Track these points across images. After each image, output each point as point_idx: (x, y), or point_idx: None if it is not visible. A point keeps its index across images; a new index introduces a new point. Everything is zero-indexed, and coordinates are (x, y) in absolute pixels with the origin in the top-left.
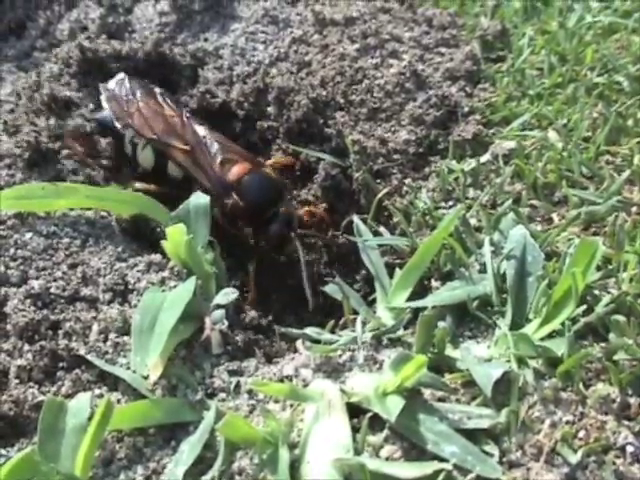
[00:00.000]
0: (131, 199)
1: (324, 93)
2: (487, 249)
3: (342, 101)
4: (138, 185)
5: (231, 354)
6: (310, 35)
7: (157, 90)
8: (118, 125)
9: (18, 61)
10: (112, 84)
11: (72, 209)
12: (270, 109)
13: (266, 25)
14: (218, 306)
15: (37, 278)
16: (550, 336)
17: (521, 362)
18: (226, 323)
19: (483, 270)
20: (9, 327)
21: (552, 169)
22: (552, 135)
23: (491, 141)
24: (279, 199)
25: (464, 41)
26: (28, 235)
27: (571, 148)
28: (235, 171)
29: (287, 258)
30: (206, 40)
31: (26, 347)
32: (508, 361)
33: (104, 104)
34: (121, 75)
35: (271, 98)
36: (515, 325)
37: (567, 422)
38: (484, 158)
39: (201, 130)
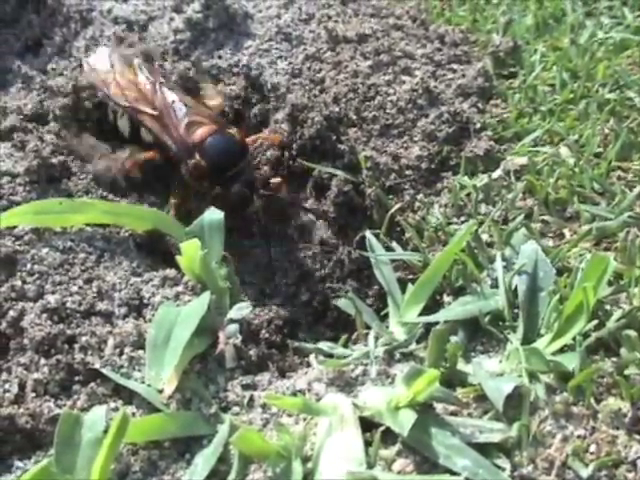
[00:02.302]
0: (146, 215)
1: (337, 110)
2: (499, 264)
3: (355, 117)
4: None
5: (245, 368)
6: (323, 52)
7: (136, 60)
8: (99, 96)
9: (33, 79)
10: (93, 58)
11: (88, 224)
12: (283, 125)
13: (280, 42)
14: (232, 320)
15: (53, 293)
16: (561, 351)
17: (532, 377)
18: (240, 337)
19: (495, 285)
20: (26, 341)
21: (564, 185)
22: (564, 151)
23: (503, 157)
24: (240, 160)
25: (476, 58)
26: (44, 250)
27: (583, 164)
28: (199, 133)
29: (299, 271)
30: (220, 57)
31: (42, 361)
32: (520, 376)
33: (87, 76)
34: (102, 48)
35: (284, 114)
36: (527, 340)
37: (578, 436)
38: (496, 174)
39: (172, 95)
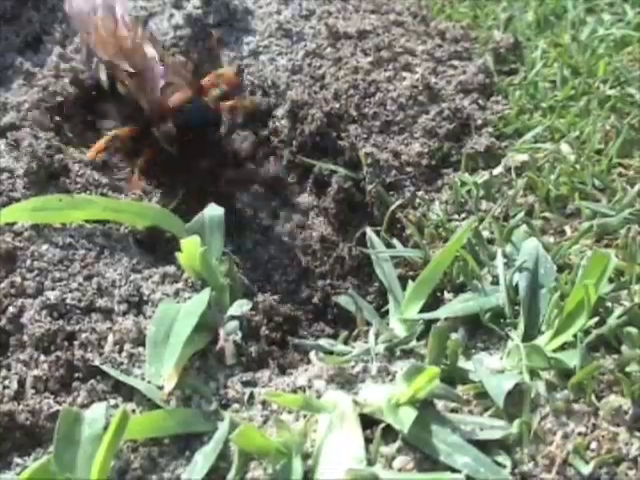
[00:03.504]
0: (146, 211)
1: (337, 106)
2: (499, 261)
3: (355, 114)
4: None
5: (245, 365)
6: (323, 48)
7: (119, 8)
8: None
9: (33, 75)
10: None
11: (88, 221)
12: (283, 122)
13: (280, 38)
14: (232, 317)
15: (53, 289)
16: (562, 348)
17: (533, 374)
18: (240, 334)
19: (495, 282)
20: (25, 338)
21: (564, 182)
22: (564, 148)
23: (504, 154)
24: (212, 129)
25: (477, 54)
26: (44, 246)
27: (583, 161)
28: (175, 97)
29: (299, 268)
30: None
31: (42, 358)
32: (520, 373)
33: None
34: None
35: (284, 111)
36: (527, 337)
37: (579, 434)
38: (496, 171)
39: (152, 52)
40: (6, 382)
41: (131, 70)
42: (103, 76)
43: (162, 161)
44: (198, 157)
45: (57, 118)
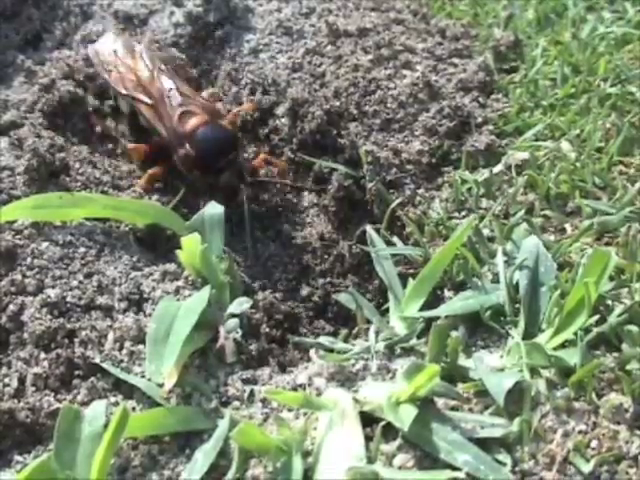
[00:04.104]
0: (146, 209)
1: (338, 104)
2: (500, 259)
3: (355, 112)
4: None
5: (245, 363)
6: (324, 46)
7: (137, 47)
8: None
9: (34, 73)
10: (98, 43)
11: (88, 219)
12: (283, 120)
13: (280, 36)
14: (232, 315)
15: (53, 287)
16: (563, 346)
17: (534, 372)
18: (240, 332)
19: (496, 280)
20: (26, 335)
21: (565, 180)
22: (565, 146)
23: (504, 152)
24: (230, 150)
25: (477, 52)
26: (44, 244)
27: (584, 159)
28: (191, 123)
29: (300, 266)
30: (221, 51)
31: (42, 355)
32: (521, 371)
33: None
34: (108, 34)
35: (285, 109)
36: (528, 335)
37: (580, 432)
38: (497, 169)
39: (169, 84)
40: (6, 380)
41: (149, 101)
42: (124, 107)
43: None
44: (216, 178)
45: (58, 116)
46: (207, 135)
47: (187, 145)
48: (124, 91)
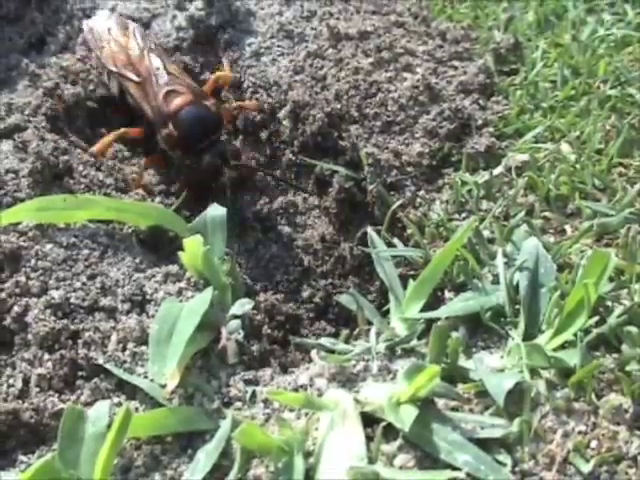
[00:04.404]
0: (149, 211)
1: (338, 106)
2: (500, 260)
3: (356, 114)
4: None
5: (247, 364)
6: (325, 49)
7: (131, 26)
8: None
9: (38, 77)
10: (92, 21)
11: (91, 221)
12: (285, 122)
13: (281, 39)
14: (234, 316)
15: (57, 288)
16: (563, 347)
17: (534, 372)
18: (242, 333)
19: (496, 281)
20: (30, 337)
21: (565, 181)
22: (565, 147)
23: (504, 154)
24: (213, 132)
25: (477, 54)
26: (48, 246)
27: (584, 160)
28: (175, 102)
29: (301, 268)
30: (222, 54)
31: (46, 356)
32: (521, 371)
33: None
34: (103, 12)
35: (286, 112)
36: (528, 336)
37: (579, 432)
38: (497, 170)
39: (157, 62)
40: (11, 380)
41: (136, 79)
42: (114, 87)
43: (166, 164)
44: (200, 158)
45: (61, 119)
46: (190, 115)
47: (170, 125)
48: (114, 68)
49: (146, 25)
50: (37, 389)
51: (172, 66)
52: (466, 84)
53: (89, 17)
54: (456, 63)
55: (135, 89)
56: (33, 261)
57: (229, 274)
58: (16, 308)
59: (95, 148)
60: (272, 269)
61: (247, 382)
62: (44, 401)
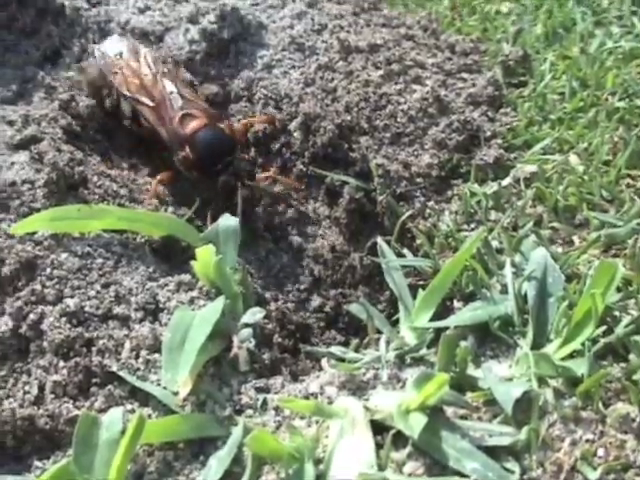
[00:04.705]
0: (161, 221)
1: (349, 118)
2: (508, 270)
3: (366, 126)
4: None
5: (258, 372)
6: (335, 62)
7: (143, 50)
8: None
9: (54, 89)
10: (104, 46)
11: (105, 230)
12: (296, 134)
13: (293, 52)
14: (245, 325)
15: (72, 297)
16: (570, 356)
17: (542, 381)
18: (253, 342)
19: (504, 291)
20: (45, 344)
21: (573, 192)
22: (573, 159)
23: (513, 165)
24: (228, 154)
25: (486, 67)
26: (63, 255)
27: (592, 172)
28: (191, 125)
29: (311, 277)
30: (235, 66)
31: (61, 363)
32: (529, 380)
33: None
34: (114, 37)
35: (297, 123)
36: (536, 345)
37: (587, 440)
38: (506, 181)
39: (171, 87)
40: (26, 387)
41: (151, 104)
42: (126, 110)
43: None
44: (214, 179)
45: (76, 130)
46: (206, 138)
47: (187, 147)
48: (127, 93)
49: (159, 38)
50: (52, 396)
51: (185, 89)
52: (475, 96)
53: (102, 30)
54: (465, 75)
55: (150, 113)
56: (48, 270)
57: (240, 283)
58: (32, 316)
59: (150, 199)
60: (283, 278)
61: (258, 390)
62: (59, 407)
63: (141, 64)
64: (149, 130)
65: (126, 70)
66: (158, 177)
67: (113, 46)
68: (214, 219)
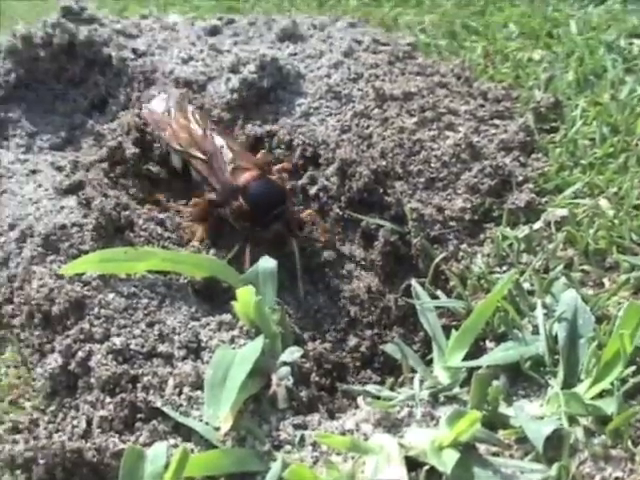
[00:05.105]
0: (203, 262)
1: (384, 164)
2: (539, 312)
3: (401, 171)
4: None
5: (296, 409)
6: (371, 109)
7: (190, 107)
8: (156, 137)
9: (102, 136)
10: (153, 104)
11: (150, 271)
12: (333, 179)
13: (330, 100)
14: (284, 363)
15: (118, 335)
16: (600, 395)
17: (572, 420)
18: (291, 380)
19: (536, 332)
20: (93, 380)
21: (603, 236)
22: (603, 203)
23: (544, 209)
24: (280, 204)
25: (518, 113)
26: (110, 295)
27: (622, 215)
28: (244, 177)
29: (348, 318)
30: (274, 114)
31: (108, 399)
32: (559, 419)
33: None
34: (162, 95)
35: (334, 169)
36: (567, 385)
37: (616, 478)
38: (537, 225)
39: (220, 140)
40: (75, 422)
41: (203, 157)
42: (176, 162)
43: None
44: (266, 229)
45: (123, 176)
46: (259, 189)
47: (240, 198)
48: (179, 147)
49: (202, 87)
50: (99, 430)
51: (234, 144)
52: (507, 142)
53: (147, 80)
54: (497, 122)
55: (202, 166)
56: (96, 309)
57: (279, 323)
58: (80, 353)
59: (196, 242)
60: (320, 319)
61: (296, 426)
62: (106, 441)
63: (190, 120)
64: (197, 181)
65: (175, 125)
66: (202, 227)
67: (160, 104)
68: (252, 262)
